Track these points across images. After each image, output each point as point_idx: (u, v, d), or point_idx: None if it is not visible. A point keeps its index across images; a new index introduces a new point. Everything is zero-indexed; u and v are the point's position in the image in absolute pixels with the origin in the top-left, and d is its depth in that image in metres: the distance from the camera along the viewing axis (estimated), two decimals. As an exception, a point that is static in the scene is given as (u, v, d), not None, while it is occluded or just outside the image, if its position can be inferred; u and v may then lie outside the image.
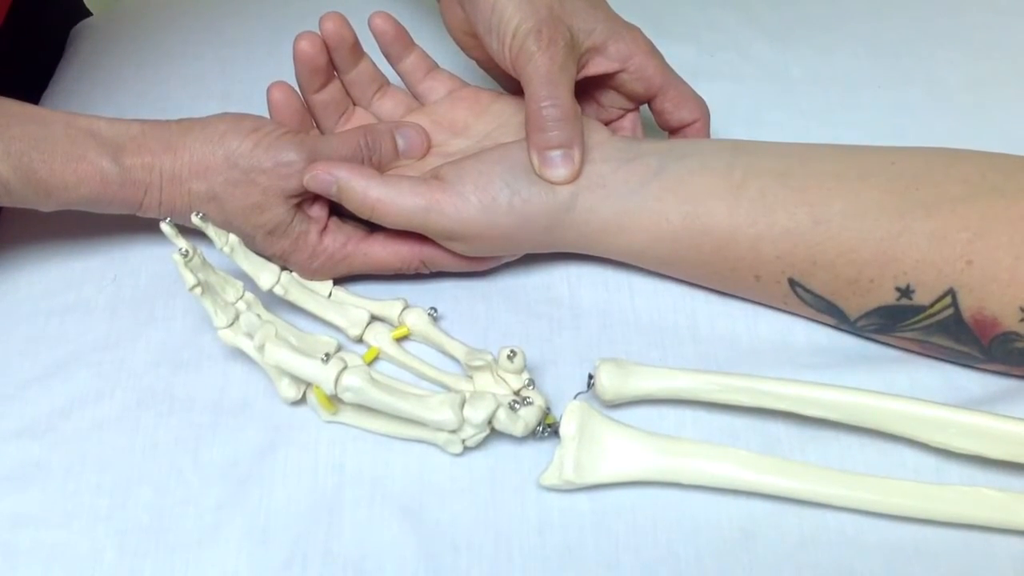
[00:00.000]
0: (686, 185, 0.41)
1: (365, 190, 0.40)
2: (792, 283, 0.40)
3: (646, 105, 0.46)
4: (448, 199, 0.40)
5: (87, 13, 0.69)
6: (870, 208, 0.38)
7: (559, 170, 0.40)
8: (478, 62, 0.47)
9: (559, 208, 0.41)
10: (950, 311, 0.37)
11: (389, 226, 0.41)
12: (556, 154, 0.40)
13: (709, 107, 0.46)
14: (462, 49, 0.47)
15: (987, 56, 0.55)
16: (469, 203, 0.40)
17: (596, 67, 0.43)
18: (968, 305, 0.37)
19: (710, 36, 0.57)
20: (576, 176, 0.41)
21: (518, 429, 0.38)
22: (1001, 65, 0.54)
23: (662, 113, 0.45)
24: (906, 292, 0.38)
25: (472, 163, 0.41)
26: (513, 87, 0.48)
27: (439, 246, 0.42)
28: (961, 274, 0.37)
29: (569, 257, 0.45)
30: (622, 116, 0.46)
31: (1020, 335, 0.37)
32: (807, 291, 0.40)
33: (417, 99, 0.48)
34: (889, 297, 0.38)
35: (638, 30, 0.44)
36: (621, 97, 0.45)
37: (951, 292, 0.37)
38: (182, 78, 0.57)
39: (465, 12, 0.43)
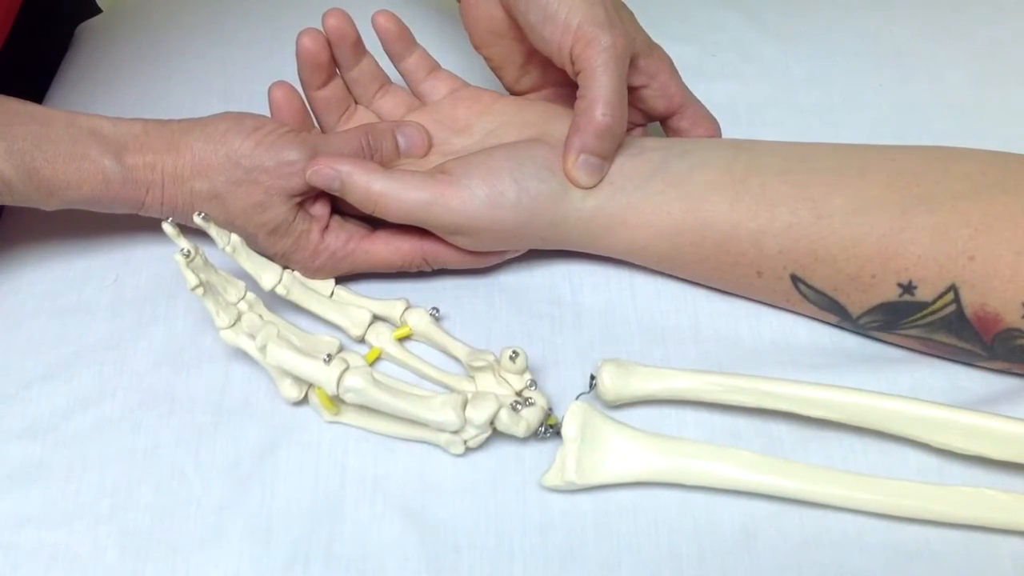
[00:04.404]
0: (688, 180, 0.41)
1: (369, 184, 0.40)
2: (794, 279, 0.40)
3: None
4: (454, 193, 0.40)
5: (97, 10, 0.69)
6: (872, 204, 0.38)
7: (590, 177, 0.41)
8: (489, 59, 0.47)
9: (566, 205, 0.41)
10: (952, 307, 0.37)
11: (393, 220, 0.41)
12: (595, 161, 0.40)
13: (711, 106, 0.46)
14: (476, 46, 0.46)
15: (989, 55, 0.55)
16: (476, 197, 0.40)
17: (627, 78, 0.43)
18: (970, 301, 0.37)
19: (712, 36, 0.57)
20: (597, 184, 0.41)
21: (520, 430, 0.38)
22: (1003, 64, 0.54)
23: (678, 131, 0.45)
24: (908, 288, 0.38)
25: (480, 158, 0.41)
26: (522, 88, 0.48)
27: (441, 242, 0.43)
28: (963, 270, 0.37)
29: (571, 257, 0.45)
30: (631, 130, 0.46)
31: (1022, 331, 0.37)
32: (809, 287, 0.40)
33: (418, 98, 0.48)
34: (891, 293, 0.38)
35: (662, 48, 0.44)
36: (636, 112, 0.45)
37: (953, 288, 0.37)
38: (183, 77, 0.57)
39: (509, 2, 0.42)
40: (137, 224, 0.44)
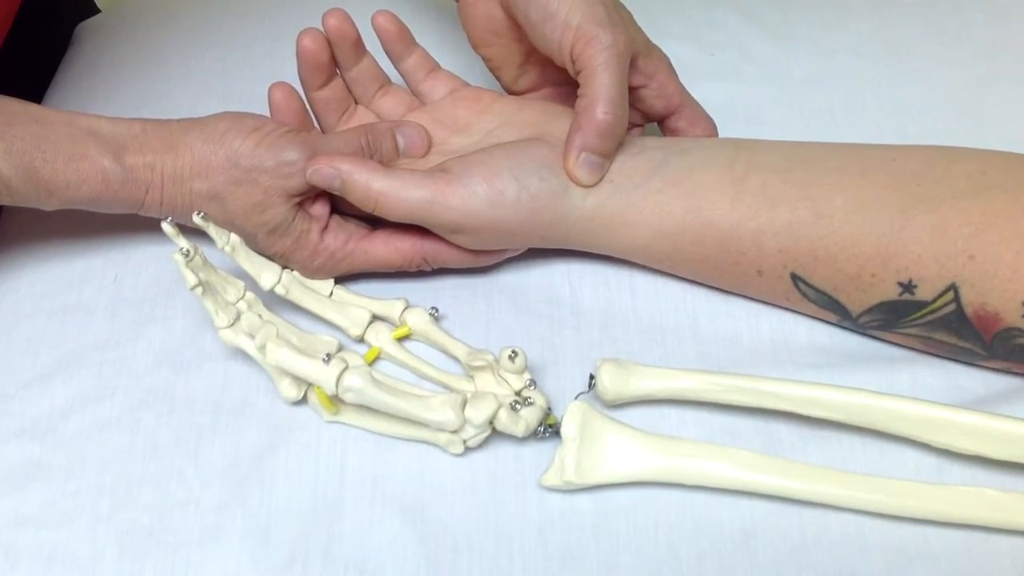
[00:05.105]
0: (688, 179, 0.41)
1: (369, 183, 0.40)
2: (794, 278, 0.40)
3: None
4: (454, 191, 0.40)
5: (96, 10, 0.69)
6: (872, 203, 0.38)
7: (590, 175, 0.41)
8: (488, 59, 0.47)
9: (566, 204, 0.41)
10: (952, 306, 0.37)
11: (393, 219, 0.41)
12: (596, 160, 0.40)
13: (709, 106, 0.46)
14: (475, 46, 0.46)
15: (988, 55, 0.55)
16: (476, 195, 0.40)
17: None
18: (970, 300, 0.37)
19: (710, 35, 0.57)
20: (598, 183, 0.41)
21: (519, 429, 0.38)
22: (1002, 64, 0.54)
23: (675, 131, 0.46)
24: (908, 287, 0.38)
25: (480, 156, 0.41)
26: (521, 88, 0.48)
27: (441, 241, 0.43)
28: (963, 269, 0.37)
29: (570, 256, 0.45)
30: (629, 130, 0.46)
31: (1022, 330, 0.37)
32: (809, 286, 0.40)
33: (418, 98, 0.48)
34: (891, 292, 0.38)
35: (660, 49, 0.44)
36: (635, 112, 0.45)
37: (953, 287, 0.37)
38: (183, 77, 0.57)
39: (508, 1, 0.42)
40: (136, 224, 0.44)
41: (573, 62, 0.40)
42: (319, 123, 0.47)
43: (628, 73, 0.41)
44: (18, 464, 0.40)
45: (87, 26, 0.64)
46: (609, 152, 0.41)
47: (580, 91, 0.40)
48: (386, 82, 0.48)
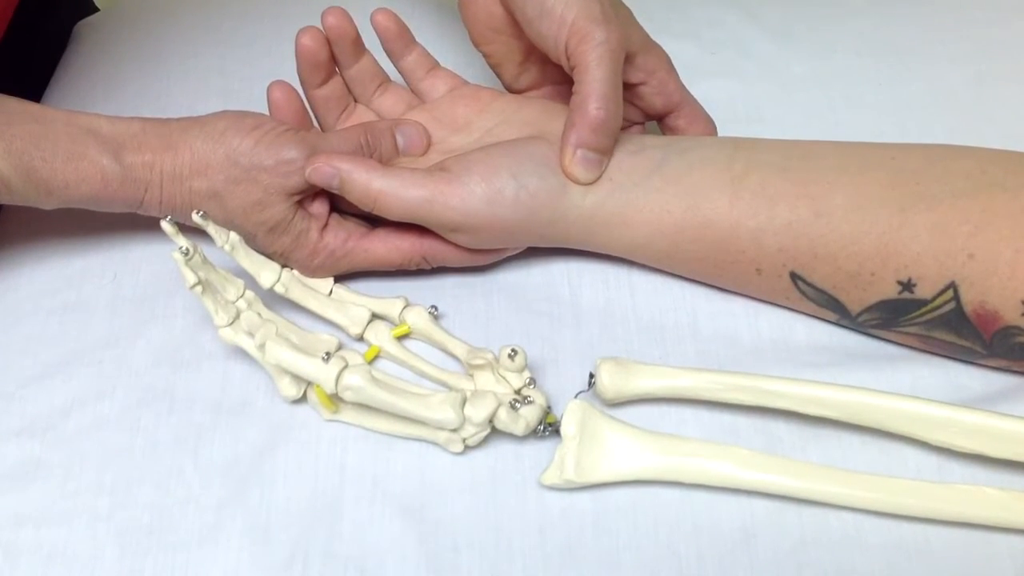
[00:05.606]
0: (687, 178, 0.41)
1: (368, 182, 0.40)
2: (794, 276, 0.40)
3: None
4: (453, 190, 0.40)
5: (94, 8, 0.69)
6: (871, 201, 0.38)
7: (587, 172, 0.41)
8: (488, 56, 0.47)
9: (565, 202, 0.41)
10: (952, 305, 0.37)
11: (392, 218, 0.41)
12: (592, 156, 0.40)
13: (710, 104, 0.46)
14: (476, 43, 0.46)
15: (988, 54, 0.54)
16: (475, 194, 0.40)
17: (625, 75, 0.43)
18: (970, 299, 0.37)
19: (711, 34, 0.57)
20: (596, 180, 0.41)
21: (519, 428, 0.38)
22: (1002, 63, 0.54)
23: (675, 129, 0.46)
24: (907, 286, 0.38)
25: (479, 155, 0.41)
26: (521, 86, 0.48)
27: (440, 240, 0.43)
28: (962, 267, 0.37)
29: (570, 255, 0.45)
30: (627, 127, 0.46)
31: (1021, 329, 0.37)
32: (808, 284, 0.40)
33: (418, 96, 0.48)
34: (890, 291, 0.38)
35: (660, 46, 0.44)
36: (634, 109, 0.46)
37: (952, 286, 0.37)
38: (182, 76, 0.57)
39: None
40: (136, 222, 0.44)
41: (568, 59, 0.40)
42: (318, 122, 0.47)
43: (626, 70, 0.41)
44: (18, 463, 0.40)
45: (86, 24, 0.64)
46: (604, 148, 0.41)
47: (574, 88, 0.40)
48: (385, 80, 0.48)
